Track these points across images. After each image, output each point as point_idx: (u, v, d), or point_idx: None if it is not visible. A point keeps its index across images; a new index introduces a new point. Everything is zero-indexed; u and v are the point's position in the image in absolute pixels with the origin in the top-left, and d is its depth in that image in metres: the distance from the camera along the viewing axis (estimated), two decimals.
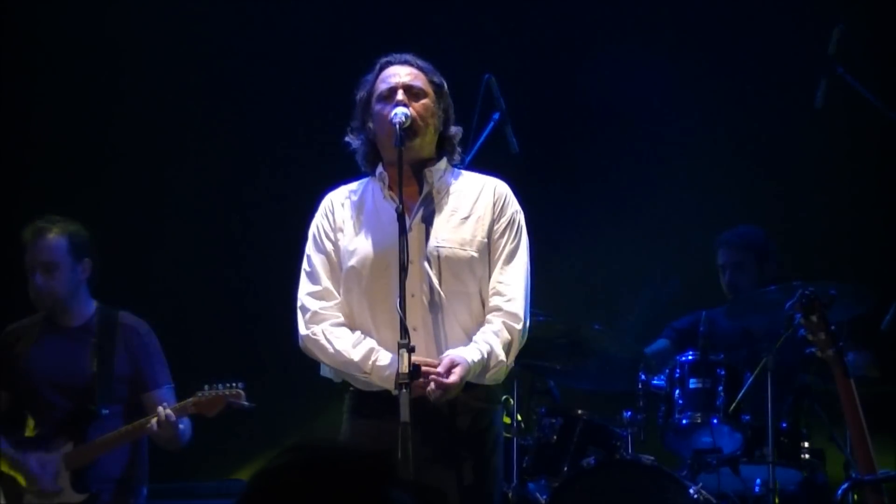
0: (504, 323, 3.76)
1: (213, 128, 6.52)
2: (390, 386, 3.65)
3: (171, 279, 6.44)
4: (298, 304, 3.87)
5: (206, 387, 4.73)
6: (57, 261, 4.87)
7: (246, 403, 4.73)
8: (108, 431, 4.82)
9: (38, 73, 6.45)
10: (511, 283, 3.80)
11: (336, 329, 3.79)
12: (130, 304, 5.19)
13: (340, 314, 3.82)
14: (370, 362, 3.72)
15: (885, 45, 5.98)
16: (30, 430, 4.98)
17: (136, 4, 6.51)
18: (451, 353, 3.68)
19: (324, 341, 3.78)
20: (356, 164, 3.96)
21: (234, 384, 4.72)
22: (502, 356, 3.73)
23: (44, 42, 6.44)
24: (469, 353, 3.67)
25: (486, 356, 3.69)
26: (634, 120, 6.48)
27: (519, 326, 3.78)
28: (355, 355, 3.74)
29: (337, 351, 3.76)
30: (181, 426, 4.79)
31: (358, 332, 3.78)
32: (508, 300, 3.79)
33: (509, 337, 3.76)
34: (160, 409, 4.72)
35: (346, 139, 3.94)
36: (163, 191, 6.55)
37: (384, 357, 3.71)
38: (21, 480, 4.85)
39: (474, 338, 3.74)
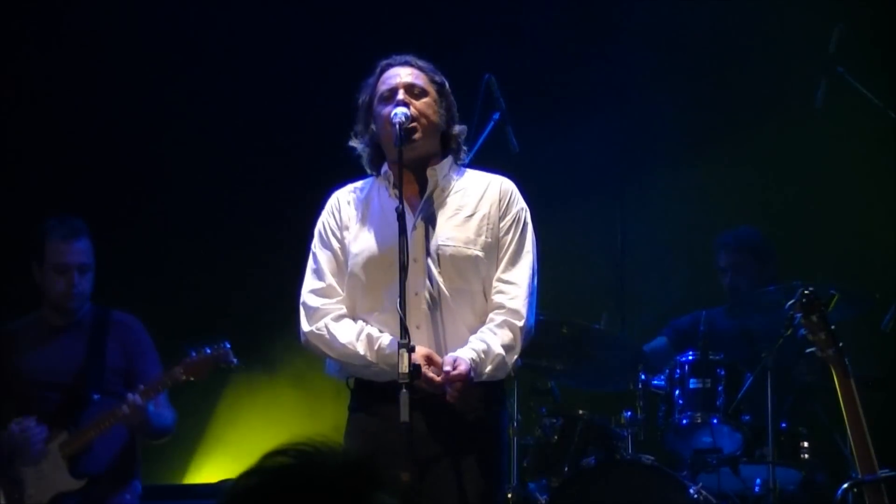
0: (505, 320, 3.76)
1: (219, 127, 6.51)
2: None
3: (175, 278, 6.44)
4: (301, 300, 3.87)
5: (193, 351, 4.76)
6: (90, 262, 4.98)
7: (234, 360, 4.79)
8: (99, 418, 4.83)
9: (30, 68, 6.44)
10: (515, 281, 3.80)
11: (338, 322, 3.79)
12: (133, 303, 5.19)
13: (343, 308, 3.82)
14: (375, 349, 3.72)
15: (885, 45, 5.98)
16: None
17: (141, 4, 6.51)
18: (452, 355, 3.67)
19: (327, 336, 3.78)
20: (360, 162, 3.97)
21: (219, 344, 4.77)
22: (499, 351, 3.71)
23: (38, 37, 6.43)
24: (465, 355, 3.66)
25: (481, 355, 3.68)
26: (634, 121, 6.48)
27: (521, 323, 3.77)
28: (360, 347, 3.74)
29: (341, 344, 3.76)
30: (150, 408, 4.79)
31: (360, 322, 3.78)
32: (511, 297, 3.78)
33: (510, 334, 3.75)
34: (129, 395, 4.75)
35: (351, 144, 3.94)
36: (169, 189, 6.54)
37: (387, 342, 3.71)
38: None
39: (471, 336, 3.74)
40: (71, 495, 4.83)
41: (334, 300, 3.83)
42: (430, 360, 3.64)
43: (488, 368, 3.71)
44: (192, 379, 4.77)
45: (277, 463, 1.51)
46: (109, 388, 4.93)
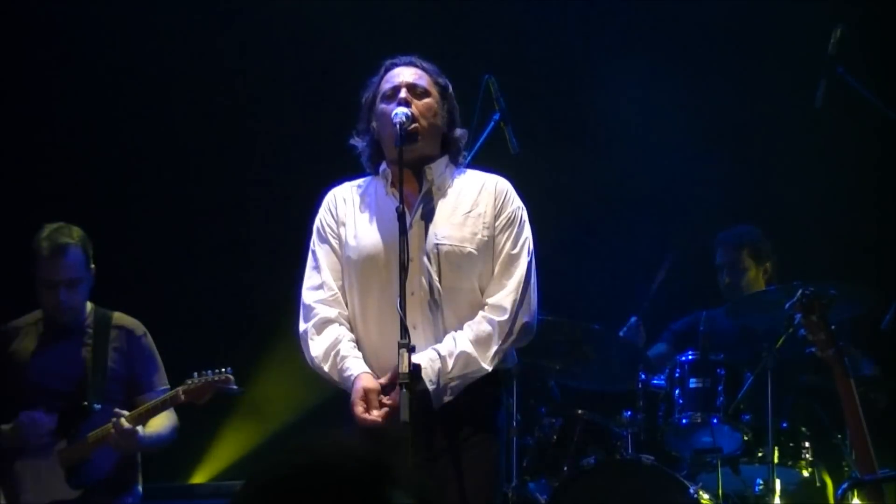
0: (484, 316, 3.75)
1: (216, 126, 6.51)
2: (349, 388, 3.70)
3: (174, 278, 6.44)
4: (300, 297, 3.90)
5: (196, 374, 4.72)
6: (79, 276, 4.89)
7: (235, 387, 4.74)
8: (100, 428, 4.81)
9: (32, 72, 6.44)
10: (506, 281, 3.80)
11: (319, 333, 3.80)
12: (133, 304, 5.17)
13: (334, 308, 3.82)
14: (337, 371, 3.75)
15: (885, 45, 5.98)
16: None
17: (139, 4, 6.50)
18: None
19: (305, 345, 3.83)
20: (360, 162, 3.97)
21: (222, 370, 4.72)
22: (466, 349, 3.68)
23: (38, 42, 6.43)
24: (423, 357, 3.65)
25: (442, 354, 3.67)
26: (634, 120, 6.48)
27: (502, 318, 3.74)
28: (326, 366, 3.77)
29: (312, 357, 3.81)
30: (140, 432, 4.72)
31: (334, 337, 3.78)
32: (496, 295, 3.78)
33: (488, 328, 3.73)
34: (113, 418, 4.69)
35: (352, 142, 3.95)
36: (164, 188, 6.54)
37: (350, 366, 3.71)
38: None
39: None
40: (68, 503, 4.82)
41: (327, 296, 3.83)
42: (367, 398, 3.65)
43: (454, 367, 3.68)
44: (191, 402, 4.70)
45: (293, 461, 1.50)
46: (111, 396, 4.89)
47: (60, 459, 4.82)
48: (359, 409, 3.64)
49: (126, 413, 4.73)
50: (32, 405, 4.89)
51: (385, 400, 3.65)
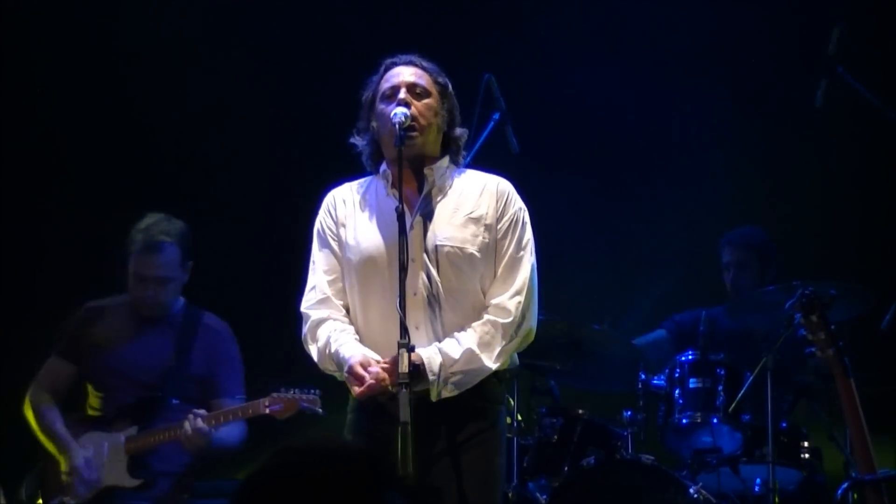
0: (488, 318, 3.75)
1: (227, 127, 6.50)
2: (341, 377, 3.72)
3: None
4: None
5: (283, 388, 4.66)
6: (171, 275, 4.86)
7: (320, 410, 4.65)
8: (173, 423, 4.76)
9: (58, 74, 6.44)
10: (509, 283, 3.80)
11: (312, 336, 3.81)
12: (226, 308, 5.13)
13: (324, 308, 3.82)
14: (337, 367, 3.75)
15: (885, 45, 5.98)
16: (91, 409, 4.94)
17: (144, 5, 6.50)
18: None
19: (307, 349, 3.84)
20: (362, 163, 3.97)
21: (311, 390, 4.64)
22: (470, 347, 3.69)
23: (57, 41, 6.43)
24: (426, 352, 3.66)
25: (445, 351, 3.67)
26: (635, 120, 6.48)
27: (505, 320, 3.74)
28: (328, 365, 3.78)
29: (316, 361, 3.82)
30: (222, 431, 4.70)
31: (326, 336, 3.78)
32: (500, 296, 3.78)
33: (491, 330, 3.73)
34: (190, 415, 4.66)
35: (352, 140, 3.94)
36: (199, 188, 6.53)
37: (344, 355, 3.71)
38: (62, 465, 4.81)
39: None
40: (123, 492, 4.79)
41: (317, 299, 3.83)
42: (364, 367, 3.65)
43: (457, 361, 3.68)
44: (272, 415, 4.65)
45: (288, 461, 1.51)
46: (188, 394, 4.85)
47: (127, 446, 4.79)
48: (356, 389, 3.64)
49: (204, 413, 4.71)
50: (110, 388, 4.85)
51: (379, 365, 3.64)
